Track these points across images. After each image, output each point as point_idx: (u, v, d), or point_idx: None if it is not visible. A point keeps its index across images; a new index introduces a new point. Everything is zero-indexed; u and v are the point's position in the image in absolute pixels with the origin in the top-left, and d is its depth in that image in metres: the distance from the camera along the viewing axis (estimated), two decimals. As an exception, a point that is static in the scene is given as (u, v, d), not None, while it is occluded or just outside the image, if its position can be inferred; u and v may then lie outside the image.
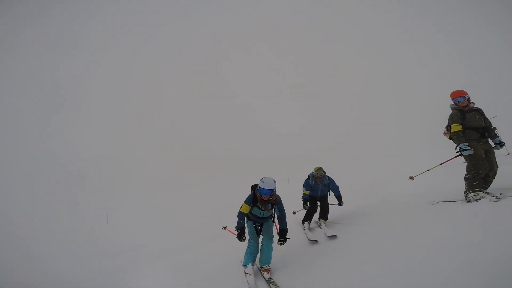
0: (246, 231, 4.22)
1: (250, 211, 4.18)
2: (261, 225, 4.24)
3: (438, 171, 5.06)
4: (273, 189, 3.96)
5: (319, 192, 5.85)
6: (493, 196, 3.75)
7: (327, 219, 5.82)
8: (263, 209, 4.10)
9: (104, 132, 25.55)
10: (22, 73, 29.14)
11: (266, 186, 3.93)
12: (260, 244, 4.27)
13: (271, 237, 4.22)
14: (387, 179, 8.07)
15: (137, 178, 19.33)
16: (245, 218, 4.24)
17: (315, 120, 27.62)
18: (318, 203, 5.96)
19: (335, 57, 34.73)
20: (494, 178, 4.11)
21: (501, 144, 4.26)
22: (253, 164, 18.44)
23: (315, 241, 4.71)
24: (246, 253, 4.24)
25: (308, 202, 5.86)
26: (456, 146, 4.21)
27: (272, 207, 4.16)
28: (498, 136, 4.31)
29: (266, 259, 4.13)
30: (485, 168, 4.05)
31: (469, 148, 4.03)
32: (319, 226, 5.72)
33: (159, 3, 43.56)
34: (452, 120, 4.30)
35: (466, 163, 4.27)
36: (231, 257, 4.88)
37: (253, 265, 4.15)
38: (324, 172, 5.84)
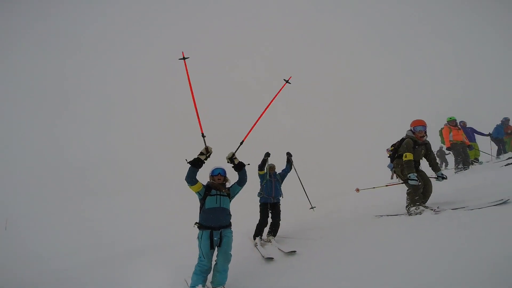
0: (198, 245, 3.64)
1: (203, 207, 3.75)
2: (220, 239, 3.66)
3: (383, 189, 5.43)
4: (225, 170, 3.99)
5: (272, 190, 5.76)
6: (432, 210, 4.13)
7: (276, 235, 5.63)
8: (218, 192, 3.82)
9: (106, 132, 25.87)
10: (24, 74, 29.11)
11: (216, 166, 3.99)
12: (214, 263, 3.69)
13: (229, 257, 3.69)
14: (334, 192, 8.51)
15: (138, 177, 19.17)
16: (199, 229, 3.71)
17: (310, 120, 29.06)
18: (270, 214, 5.75)
19: (335, 57, 36.70)
20: (431, 192, 4.57)
21: (442, 177, 4.62)
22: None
23: (271, 259, 4.35)
24: (195, 273, 3.59)
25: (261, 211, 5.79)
26: (407, 174, 4.42)
27: (228, 189, 3.96)
28: (440, 170, 4.84)
29: (221, 280, 3.59)
30: (423, 184, 4.48)
31: (416, 179, 4.32)
32: (269, 241, 5.41)
33: (158, 5, 44.31)
34: (406, 148, 4.61)
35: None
36: (173, 275, 4.22)
37: (203, 286, 3.54)
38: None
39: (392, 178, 14.27)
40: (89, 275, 5.18)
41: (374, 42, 39.64)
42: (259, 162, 6.01)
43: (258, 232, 5.61)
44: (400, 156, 4.71)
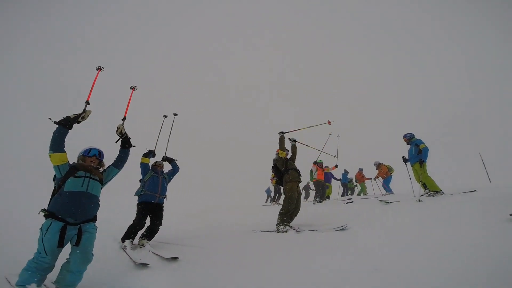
0: (39, 238, 2.71)
1: (60, 189, 2.88)
2: (79, 237, 2.83)
3: (260, 209, 6.17)
4: (103, 153, 3.30)
5: (159, 187, 5.27)
6: (294, 230, 5.03)
7: (151, 239, 5.06)
8: (88, 174, 3.03)
9: (105, 131, 19.97)
10: (23, 73, 29.10)
11: (92, 147, 3.28)
12: (66, 261, 2.88)
13: (90, 257, 2.90)
14: (217, 206, 8.78)
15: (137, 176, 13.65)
16: (51, 218, 2.77)
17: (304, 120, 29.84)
18: (149, 217, 5.18)
19: (335, 56, 36.58)
20: (296, 215, 5.55)
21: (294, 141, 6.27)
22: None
23: (145, 265, 3.87)
24: (27, 269, 2.65)
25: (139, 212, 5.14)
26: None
27: (101, 173, 3.24)
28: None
29: (73, 281, 2.81)
30: (293, 207, 5.43)
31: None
32: (142, 245, 4.79)
33: (159, 3, 44.19)
34: (278, 157, 5.85)
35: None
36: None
37: (38, 286, 2.68)
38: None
39: (266, 201, 16.03)
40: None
41: (374, 41, 42.56)
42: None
43: (129, 235, 4.94)
44: (285, 171, 5.67)
